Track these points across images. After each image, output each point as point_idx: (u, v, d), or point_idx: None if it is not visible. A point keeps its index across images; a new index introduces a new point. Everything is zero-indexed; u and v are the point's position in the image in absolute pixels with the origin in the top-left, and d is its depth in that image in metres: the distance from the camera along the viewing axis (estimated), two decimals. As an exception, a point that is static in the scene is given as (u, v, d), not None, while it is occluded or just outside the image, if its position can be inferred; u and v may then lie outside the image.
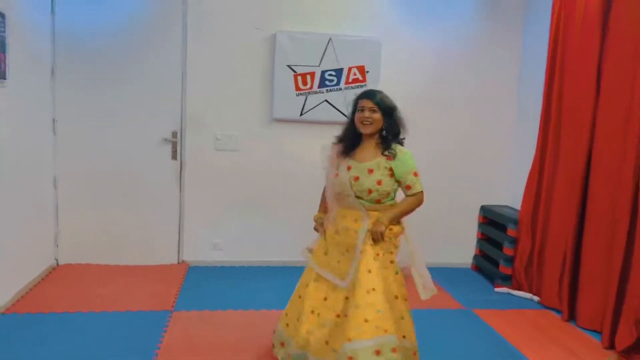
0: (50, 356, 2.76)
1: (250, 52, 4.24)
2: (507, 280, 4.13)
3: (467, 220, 4.71)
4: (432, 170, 4.57)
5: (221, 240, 4.43)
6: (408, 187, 2.49)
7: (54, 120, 4.05)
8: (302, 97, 4.26)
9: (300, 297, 2.63)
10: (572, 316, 3.57)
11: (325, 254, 2.59)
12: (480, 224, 4.63)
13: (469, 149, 4.63)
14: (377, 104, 2.43)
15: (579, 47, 3.58)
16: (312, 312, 2.50)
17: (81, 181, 4.16)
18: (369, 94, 2.48)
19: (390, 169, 2.44)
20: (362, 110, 2.44)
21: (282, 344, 2.66)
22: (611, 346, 3.12)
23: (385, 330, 2.31)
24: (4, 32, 3.16)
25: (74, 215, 4.19)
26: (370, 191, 2.44)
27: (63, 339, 2.97)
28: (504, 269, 4.13)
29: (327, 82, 4.27)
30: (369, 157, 2.47)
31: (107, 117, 4.12)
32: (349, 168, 2.47)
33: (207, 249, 4.42)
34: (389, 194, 2.49)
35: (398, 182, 2.49)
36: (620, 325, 3.05)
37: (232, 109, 4.29)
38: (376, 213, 2.46)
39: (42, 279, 3.89)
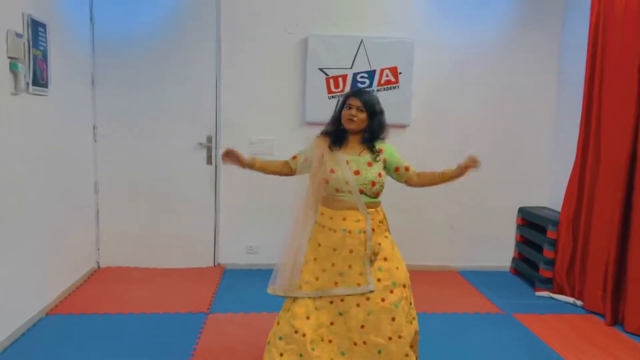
0: (90, 356, 2.83)
1: (283, 56, 4.28)
2: (547, 283, 4.01)
3: (505, 222, 4.61)
4: (469, 173, 4.51)
5: (255, 243, 4.47)
6: (407, 168, 2.51)
7: (94, 127, 4.19)
8: (335, 100, 4.25)
9: (297, 332, 2.37)
10: (616, 321, 3.43)
11: (317, 278, 2.45)
12: (519, 226, 4.51)
13: (505, 150, 4.52)
14: (365, 103, 2.43)
15: (620, 45, 3.46)
16: (323, 340, 2.39)
17: (120, 186, 4.28)
18: (359, 93, 2.48)
19: (384, 160, 2.46)
20: (350, 108, 2.43)
21: None
22: (660, 353, 2.99)
23: None
24: (46, 42, 3.28)
25: (114, 220, 4.31)
26: (373, 183, 2.42)
27: (103, 339, 3.05)
28: (544, 272, 4.01)
29: (359, 84, 4.26)
30: (361, 151, 2.46)
31: (145, 123, 4.23)
32: (347, 162, 2.42)
33: (242, 252, 4.46)
34: (384, 185, 2.49)
35: (395, 170, 2.50)
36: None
37: (265, 113, 4.32)
38: (373, 210, 2.43)
39: (84, 282, 4.01)
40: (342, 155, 2.44)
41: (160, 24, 4.16)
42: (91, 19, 4.08)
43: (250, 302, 3.69)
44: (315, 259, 2.47)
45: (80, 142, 4.01)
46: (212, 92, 4.25)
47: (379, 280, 2.38)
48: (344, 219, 2.43)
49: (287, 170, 2.62)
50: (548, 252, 4.00)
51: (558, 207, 4.13)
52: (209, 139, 4.28)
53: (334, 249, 2.44)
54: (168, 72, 4.19)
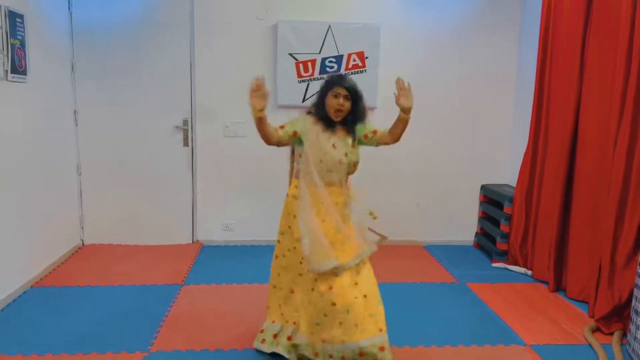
0: (71, 323, 3.09)
1: (254, 42, 4.48)
2: (503, 255, 4.27)
3: (469, 199, 4.86)
4: (433, 152, 4.76)
5: (232, 221, 4.72)
6: (375, 132, 2.64)
7: (75, 112, 4.40)
8: (304, 84, 4.47)
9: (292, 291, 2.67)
10: (558, 287, 3.71)
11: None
12: (481, 203, 4.76)
13: (469, 130, 4.75)
14: (349, 91, 2.54)
15: (566, 30, 3.68)
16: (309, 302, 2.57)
17: (102, 168, 4.50)
18: (343, 80, 2.57)
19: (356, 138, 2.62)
20: (337, 97, 2.53)
21: (275, 336, 2.71)
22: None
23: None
24: (23, 31, 3.48)
25: (96, 200, 4.54)
26: (354, 165, 2.63)
27: (83, 309, 3.30)
28: (501, 245, 4.27)
29: (327, 69, 4.46)
30: (345, 134, 2.62)
31: (124, 107, 4.43)
32: (334, 146, 2.57)
33: (219, 229, 4.71)
34: (357, 161, 2.65)
35: (364, 137, 2.62)
36: (599, 294, 3.17)
37: (238, 97, 4.44)
38: (341, 189, 2.62)
39: (69, 258, 4.26)
40: (333, 138, 2.57)
41: (136, 12, 4.34)
42: (69, 8, 4.26)
43: (224, 275, 3.95)
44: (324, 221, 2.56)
45: (62, 127, 4.22)
46: (187, 77, 4.45)
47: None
48: (331, 194, 2.59)
49: (276, 136, 2.55)
50: (504, 227, 4.26)
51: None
52: (185, 122, 4.50)
53: (323, 220, 2.57)
54: (144, 58, 4.38)
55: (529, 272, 4.02)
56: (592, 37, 3.46)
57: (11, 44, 3.32)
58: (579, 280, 3.53)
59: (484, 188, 4.72)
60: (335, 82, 2.58)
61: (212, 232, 4.71)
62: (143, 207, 4.60)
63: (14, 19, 3.36)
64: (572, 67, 3.59)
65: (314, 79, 4.46)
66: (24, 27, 3.49)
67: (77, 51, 4.33)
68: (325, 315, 2.48)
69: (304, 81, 4.47)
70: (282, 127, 2.59)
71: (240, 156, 4.62)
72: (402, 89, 2.54)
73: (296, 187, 2.65)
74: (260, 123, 2.46)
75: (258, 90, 2.42)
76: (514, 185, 4.53)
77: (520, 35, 4.63)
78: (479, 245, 4.78)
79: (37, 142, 3.74)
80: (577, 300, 3.55)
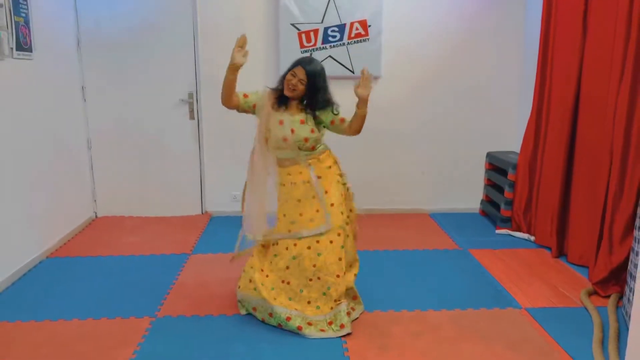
0: (83, 292, 3.23)
1: (256, 12, 4.48)
2: (507, 222, 4.30)
3: (475, 167, 4.86)
4: (439, 121, 4.75)
5: (239, 192, 4.78)
6: (342, 120, 2.74)
7: (82, 87, 4.48)
8: (307, 54, 4.46)
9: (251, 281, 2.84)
10: (561, 253, 3.73)
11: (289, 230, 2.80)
12: (487, 170, 4.76)
13: (475, 97, 4.72)
14: (307, 75, 2.62)
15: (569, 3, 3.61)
16: (283, 282, 2.78)
17: (111, 142, 4.61)
18: (306, 63, 2.64)
19: (317, 119, 2.70)
20: (294, 76, 2.64)
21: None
22: (595, 280, 3.28)
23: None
24: (27, 8, 3.54)
25: (107, 173, 4.67)
26: (306, 139, 2.70)
27: (95, 278, 3.44)
28: (505, 212, 4.29)
29: (330, 39, 4.45)
30: (297, 112, 2.71)
31: (130, 82, 4.50)
32: (281, 122, 2.68)
33: (227, 200, 4.80)
34: (319, 140, 2.77)
35: (331, 123, 2.72)
36: (598, 258, 3.19)
37: (242, 69, 4.53)
38: (315, 160, 2.75)
39: (83, 230, 4.41)
40: (280, 115, 2.70)
41: (138, -14, 4.37)
42: (73, -16, 4.30)
43: (231, 244, 3.91)
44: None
45: (70, 103, 4.31)
46: (191, 50, 4.48)
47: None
48: (289, 174, 2.77)
49: (236, 101, 2.73)
50: (508, 193, 4.27)
51: (522, 151, 4.36)
52: (190, 95, 4.56)
53: (286, 200, 2.81)
54: (149, 32, 4.42)
55: (532, 238, 4.05)
56: (593, 4, 3.39)
57: (15, 21, 3.38)
58: (579, 245, 3.55)
59: (489, 155, 4.71)
60: (299, 62, 2.68)
61: (221, 204, 4.81)
62: (152, 180, 4.71)
63: (17, -4, 3.42)
64: (574, 32, 3.53)
65: (317, 49, 4.46)
66: (27, 4, 3.54)
67: (82, 27, 4.38)
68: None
69: (306, 51, 4.46)
70: (245, 95, 2.77)
71: (245, 127, 4.65)
72: (364, 79, 2.59)
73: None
74: (230, 80, 2.65)
75: (242, 47, 2.60)
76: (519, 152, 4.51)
77: (526, 1, 4.53)
78: (484, 212, 4.80)
79: (47, 118, 3.84)
80: (577, 265, 3.58)
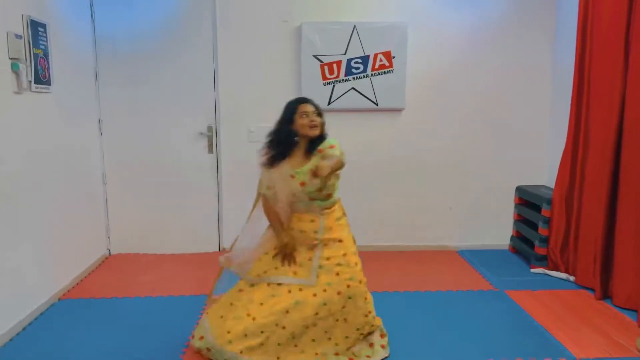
0: (98, 337, 3.02)
1: (278, 44, 4.37)
2: (542, 260, 4.07)
3: (504, 201, 4.66)
4: (466, 153, 4.58)
5: (258, 228, 4.61)
6: (332, 146, 2.60)
7: (99, 120, 4.36)
8: (330, 86, 4.34)
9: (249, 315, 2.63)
10: (605, 295, 3.50)
11: (265, 271, 2.70)
12: (517, 205, 4.56)
13: (503, 130, 4.57)
14: (317, 107, 2.58)
15: (607, 24, 3.48)
16: (277, 325, 2.54)
17: (127, 177, 4.46)
18: (308, 100, 2.60)
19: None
20: (307, 115, 2.53)
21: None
22: (646, 325, 3.05)
23: None
24: (46, 41, 3.44)
25: (122, 209, 4.50)
26: (319, 190, 2.56)
27: (110, 322, 3.23)
28: (539, 249, 4.07)
29: (353, 70, 4.33)
30: (304, 161, 2.58)
31: (148, 115, 4.38)
32: (292, 177, 2.57)
33: (245, 236, 4.61)
34: (334, 184, 2.62)
35: (319, 152, 2.58)
36: (652, 303, 2.97)
37: (262, 101, 4.42)
38: (328, 211, 2.62)
39: (96, 268, 4.21)
40: (287, 169, 2.56)
41: (158, 18, 4.28)
42: (92, 16, 4.22)
43: None
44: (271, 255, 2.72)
45: (87, 136, 4.18)
46: (211, 83, 4.37)
47: (337, 274, 2.56)
48: (300, 220, 2.64)
49: (270, 206, 2.73)
50: (543, 230, 4.06)
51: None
52: (209, 129, 4.42)
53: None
54: (168, 65, 4.32)
55: (572, 278, 3.82)
56: (636, 25, 3.24)
57: (34, 53, 3.27)
58: (626, 286, 3.32)
59: (519, 189, 4.52)
60: (298, 102, 2.60)
61: (239, 240, 4.61)
62: (168, 215, 4.53)
63: (37, 28, 3.32)
64: (615, 59, 3.38)
65: (340, 81, 4.34)
66: (46, 37, 3.44)
67: (101, 59, 4.29)
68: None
69: (329, 83, 4.34)
70: (263, 193, 2.73)
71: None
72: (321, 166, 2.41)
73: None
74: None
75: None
76: (551, 186, 4.33)
77: (556, 29, 4.42)
78: (515, 249, 4.58)
79: (62, 152, 3.69)
80: (624, 309, 3.34)
